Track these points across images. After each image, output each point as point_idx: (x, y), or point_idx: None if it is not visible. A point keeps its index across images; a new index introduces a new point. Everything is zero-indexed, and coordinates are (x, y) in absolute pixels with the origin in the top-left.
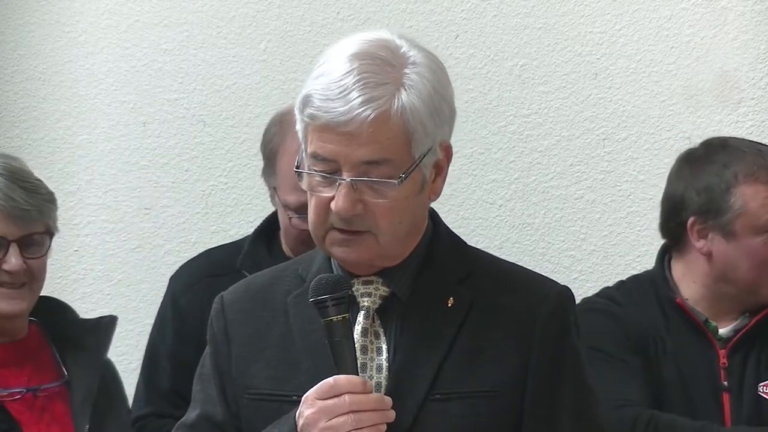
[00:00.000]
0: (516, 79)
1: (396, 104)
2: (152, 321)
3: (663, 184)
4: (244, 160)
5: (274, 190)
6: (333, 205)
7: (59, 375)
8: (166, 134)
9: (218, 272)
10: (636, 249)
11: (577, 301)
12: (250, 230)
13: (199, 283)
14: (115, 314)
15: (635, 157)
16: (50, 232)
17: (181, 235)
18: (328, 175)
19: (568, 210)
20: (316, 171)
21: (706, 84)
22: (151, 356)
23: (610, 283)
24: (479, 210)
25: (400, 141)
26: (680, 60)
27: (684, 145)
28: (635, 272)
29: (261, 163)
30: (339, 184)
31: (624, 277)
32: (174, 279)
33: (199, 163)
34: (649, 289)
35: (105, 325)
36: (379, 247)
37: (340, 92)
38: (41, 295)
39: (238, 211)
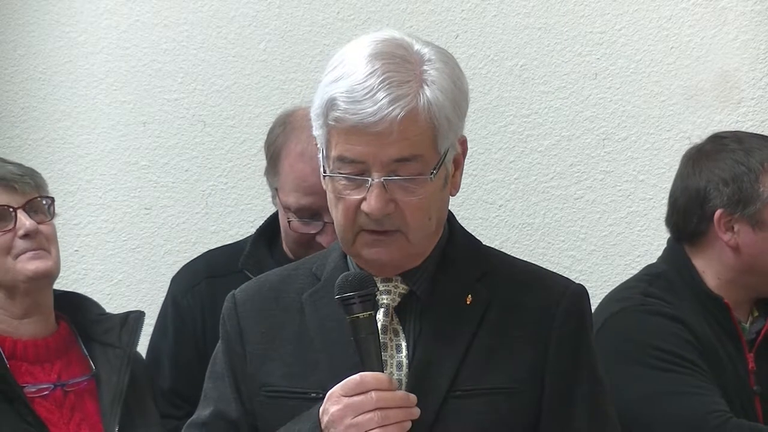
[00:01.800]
0: (516, 79)
1: (422, 101)
2: (152, 321)
3: (663, 184)
4: (244, 160)
5: (275, 191)
6: (365, 206)
7: (88, 370)
8: (166, 134)
9: (219, 273)
10: (636, 249)
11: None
12: (250, 230)
13: (200, 284)
14: (142, 310)
15: (635, 157)
16: (50, 197)
17: (181, 235)
18: (356, 177)
19: (568, 210)
20: (343, 174)
21: (706, 84)
22: (152, 356)
23: (610, 283)
24: (479, 210)
25: (428, 137)
26: (680, 60)
27: (684, 145)
28: (635, 272)
29: (261, 164)
30: (370, 185)
31: (624, 277)
32: (175, 280)
33: (199, 163)
34: (682, 288)
35: (132, 321)
36: (409, 245)
37: (366, 93)
38: (68, 291)
39: (238, 211)
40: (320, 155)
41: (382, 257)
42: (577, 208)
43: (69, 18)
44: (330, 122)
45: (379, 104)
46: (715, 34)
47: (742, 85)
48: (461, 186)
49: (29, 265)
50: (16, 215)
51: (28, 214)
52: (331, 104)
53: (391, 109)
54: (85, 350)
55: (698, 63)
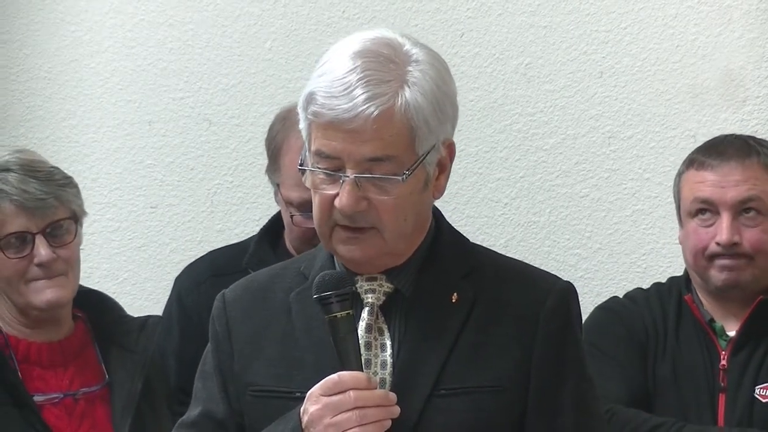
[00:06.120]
0: (521, 77)
1: (400, 101)
2: None
3: (668, 182)
4: (249, 159)
5: (277, 186)
6: (337, 202)
7: (101, 377)
8: (172, 133)
9: (224, 272)
10: (641, 247)
11: (581, 299)
12: (255, 229)
13: (205, 283)
14: (158, 315)
15: (640, 155)
16: (75, 217)
17: (187, 234)
18: (331, 173)
19: (573, 208)
20: (319, 168)
21: (712, 82)
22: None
23: (615, 281)
24: (485, 208)
25: (404, 138)
26: (685, 58)
27: (689, 144)
28: (640, 270)
29: (266, 162)
30: (343, 181)
31: (629, 275)
32: (179, 279)
33: (205, 161)
34: (673, 290)
35: (151, 326)
36: (384, 244)
37: (344, 89)
38: (90, 288)
39: (244, 209)
40: (303, 149)
41: (356, 255)
42: (583, 207)
43: (74, 17)
44: (309, 116)
45: (354, 101)
46: (720, 33)
47: (747, 84)
48: (467, 185)
49: (42, 295)
50: (34, 242)
51: (49, 238)
52: (310, 98)
53: (365, 107)
54: (99, 353)
55: (703, 61)
